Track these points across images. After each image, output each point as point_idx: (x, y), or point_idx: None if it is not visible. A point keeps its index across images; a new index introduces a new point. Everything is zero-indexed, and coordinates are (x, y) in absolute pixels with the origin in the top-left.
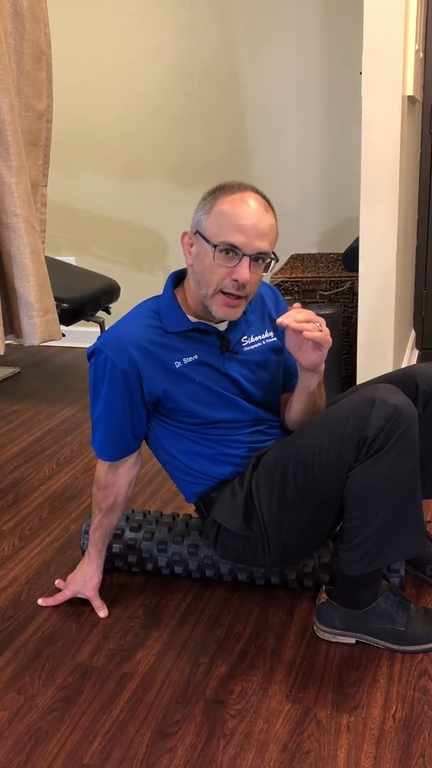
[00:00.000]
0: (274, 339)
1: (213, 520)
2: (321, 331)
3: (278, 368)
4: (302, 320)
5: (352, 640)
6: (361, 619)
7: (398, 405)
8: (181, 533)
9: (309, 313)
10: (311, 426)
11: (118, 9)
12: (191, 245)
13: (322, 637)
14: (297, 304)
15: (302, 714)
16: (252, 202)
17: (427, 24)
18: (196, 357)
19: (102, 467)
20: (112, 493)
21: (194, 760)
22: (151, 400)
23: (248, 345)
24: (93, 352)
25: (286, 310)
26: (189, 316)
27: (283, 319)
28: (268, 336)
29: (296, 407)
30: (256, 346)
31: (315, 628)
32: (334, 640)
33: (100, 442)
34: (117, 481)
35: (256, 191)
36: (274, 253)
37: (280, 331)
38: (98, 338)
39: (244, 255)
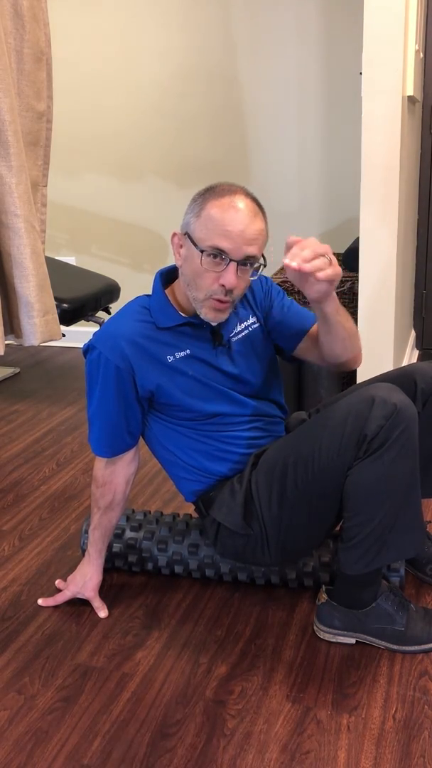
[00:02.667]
0: (258, 324)
1: (212, 518)
2: (330, 262)
3: (269, 352)
4: (311, 257)
5: (352, 640)
6: (361, 619)
7: (398, 404)
8: (181, 533)
9: (313, 245)
10: (311, 424)
11: (119, 9)
12: (181, 246)
13: (322, 637)
14: (293, 238)
15: (302, 714)
16: (241, 206)
17: (427, 24)
18: (188, 352)
19: (99, 465)
20: (110, 490)
21: (194, 760)
22: (144, 395)
23: (236, 335)
24: (87, 349)
25: (267, 289)
26: (180, 312)
27: (291, 262)
28: (253, 321)
29: (327, 340)
30: (243, 333)
31: (315, 628)
32: (334, 640)
33: (97, 438)
34: (114, 478)
35: (247, 194)
36: (264, 256)
37: (260, 317)
38: (93, 335)
39: (231, 260)
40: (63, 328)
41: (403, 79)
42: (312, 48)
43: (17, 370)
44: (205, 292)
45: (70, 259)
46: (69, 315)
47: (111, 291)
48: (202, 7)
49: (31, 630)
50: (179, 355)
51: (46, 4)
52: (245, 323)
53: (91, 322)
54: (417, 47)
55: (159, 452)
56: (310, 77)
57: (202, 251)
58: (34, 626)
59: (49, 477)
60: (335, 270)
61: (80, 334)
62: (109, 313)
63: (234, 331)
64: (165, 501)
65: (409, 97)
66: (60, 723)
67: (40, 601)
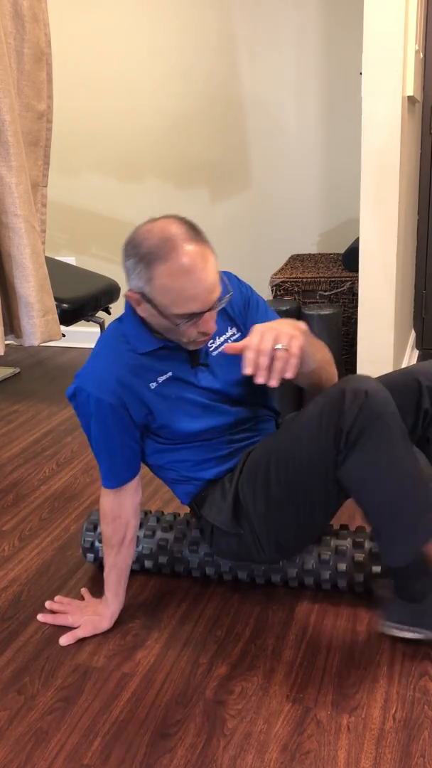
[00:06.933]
0: (238, 335)
1: (206, 518)
2: (285, 349)
3: None
4: (254, 358)
5: (420, 636)
6: (426, 612)
7: (369, 390)
8: (182, 532)
9: (260, 338)
10: (291, 421)
11: (118, 10)
12: (139, 304)
13: (388, 633)
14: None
15: (302, 714)
16: (191, 262)
17: (427, 24)
18: (170, 374)
19: (106, 500)
20: (121, 524)
21: (194, 760)
22: (140, 421)
23: (215, 349)
24: (74, 393)
25: (246, 300)
26: (155, 335)
27: (247, 369)
28: (232, 334)
29: (311, 382)
30: (223, 348)
31: (380, 623)
32: (400, 635)
33: (106, 472)
34: (123, 511)
35: (185, 236)
36: (225, 277)
37: (241, 326)
38: (75, 377)
39: (203, 313)
40: (63, 328)
41: (403, 79)
42: (312, 48)
43: (17, 370)
44: (186, 338)
45: (70, 259)
46: (69, 315)
47: (111, 291)
48: (201, 7)
49: (31, 630)
50: (161, 379)
51: (46, 4)
52: (224, 336)
53: (91, 323)
54: (417, 47)
55: (149, 462)
56: (310, 77)
57: (167, 316)
58: (34, 626)
59: (49, 477)
60: (286, 355)
61: (80, 334)
62: (109, 313)
63: (213, 346)
64: (165, 501)
65: (409, 97)
66: (60, 723)
67: (39, 617)
